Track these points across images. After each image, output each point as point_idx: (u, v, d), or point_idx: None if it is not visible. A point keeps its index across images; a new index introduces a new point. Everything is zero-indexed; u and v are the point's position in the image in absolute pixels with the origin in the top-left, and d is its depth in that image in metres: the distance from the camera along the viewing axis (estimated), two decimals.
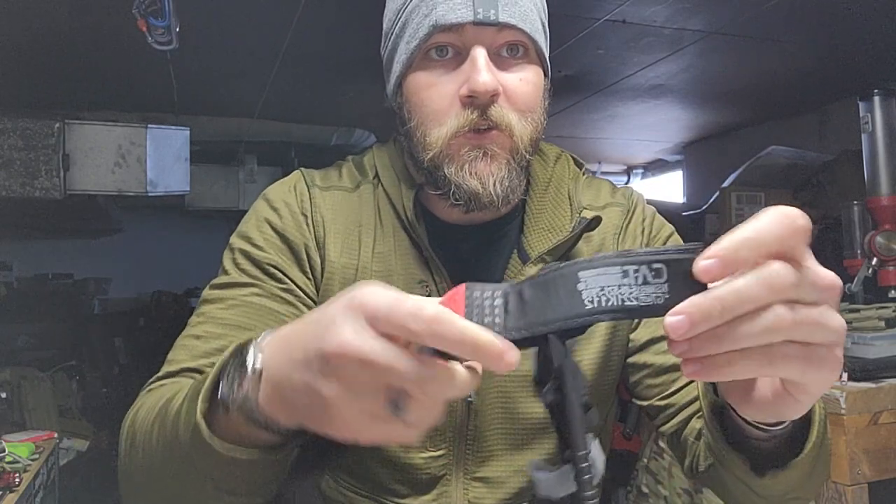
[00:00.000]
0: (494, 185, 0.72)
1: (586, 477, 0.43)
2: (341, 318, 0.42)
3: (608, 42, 2.25)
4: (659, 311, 0.41)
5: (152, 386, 0.70)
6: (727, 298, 0.39)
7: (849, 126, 2.59)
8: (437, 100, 0.73)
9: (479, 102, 0.71)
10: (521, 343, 0.42)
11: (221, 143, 3.48)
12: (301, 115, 3.24)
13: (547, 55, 0.80)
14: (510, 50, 0.74)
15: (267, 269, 0.77)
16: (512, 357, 0.40)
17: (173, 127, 2.77)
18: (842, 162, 2.58)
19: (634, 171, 4.55)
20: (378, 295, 0.41)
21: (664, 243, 0.86)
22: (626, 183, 4.47)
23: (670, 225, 0.88)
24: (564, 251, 0.80)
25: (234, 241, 0.81)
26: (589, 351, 0.81)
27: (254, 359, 0.48)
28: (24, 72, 2.46)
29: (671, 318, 0.40)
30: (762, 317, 0.39)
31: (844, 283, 1.88)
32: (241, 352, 0.50)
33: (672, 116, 3.29)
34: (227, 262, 0.80)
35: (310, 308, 0.77)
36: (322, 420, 0.44)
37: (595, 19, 2.05)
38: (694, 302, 0.39)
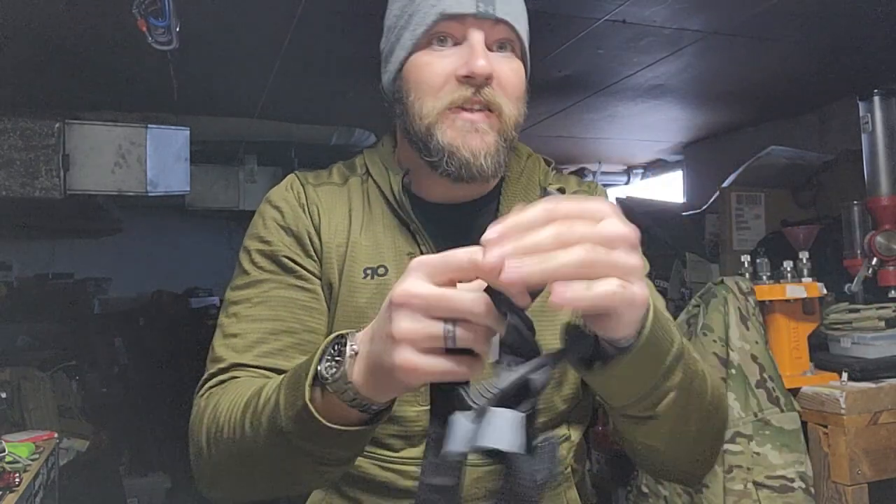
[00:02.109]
0: (485, 157, 0.80)
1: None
2: (402, 279, 0.53)
3: (608, 42, 2.25)
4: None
5: (212, 389, 0.79)
6: (517, 220, 0.49)
7: (849, 126, 2.59)
8: (435, 76, 0.81)
9: (474, 83, 0.80)
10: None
11: (221, 143, 3.48)
12: (301, 115, 3.24)
13: (528, 57, 0.89)
14: (500, 47, 0.84)
15: (281, 262, 0.87)
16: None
17: (173, 127, 2.77)
18: (842, 162, 2.57)
19: (634, 171, 4.54)
20: (428, 256, 0.53)
21: None
22: (627, 183, 4.52)
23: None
24: None
25: (248, 242, 0.90)
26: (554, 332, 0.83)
27: (351, 343, 0.59)
28: (24, 72, 2.46)
29: (488, 234, 0.49)
30: (569, 250, 0.48)
31: (844, 283, 1.89)
32: (338, 341, 0.60)
33: (672, 116, 3.29)
34: (246, 263, 0.89)
35: (321, 288, 0.88)
36: (393, 369, 0.52)
37: (595, 19, 2.05)
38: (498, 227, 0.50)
